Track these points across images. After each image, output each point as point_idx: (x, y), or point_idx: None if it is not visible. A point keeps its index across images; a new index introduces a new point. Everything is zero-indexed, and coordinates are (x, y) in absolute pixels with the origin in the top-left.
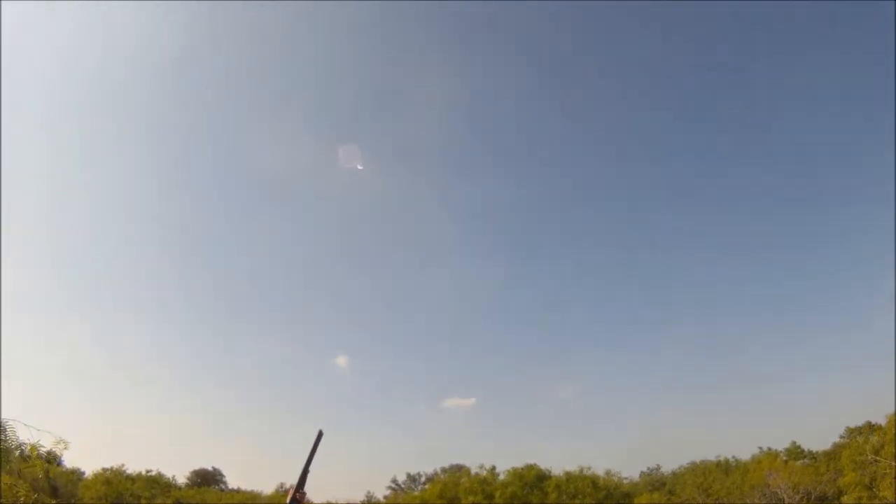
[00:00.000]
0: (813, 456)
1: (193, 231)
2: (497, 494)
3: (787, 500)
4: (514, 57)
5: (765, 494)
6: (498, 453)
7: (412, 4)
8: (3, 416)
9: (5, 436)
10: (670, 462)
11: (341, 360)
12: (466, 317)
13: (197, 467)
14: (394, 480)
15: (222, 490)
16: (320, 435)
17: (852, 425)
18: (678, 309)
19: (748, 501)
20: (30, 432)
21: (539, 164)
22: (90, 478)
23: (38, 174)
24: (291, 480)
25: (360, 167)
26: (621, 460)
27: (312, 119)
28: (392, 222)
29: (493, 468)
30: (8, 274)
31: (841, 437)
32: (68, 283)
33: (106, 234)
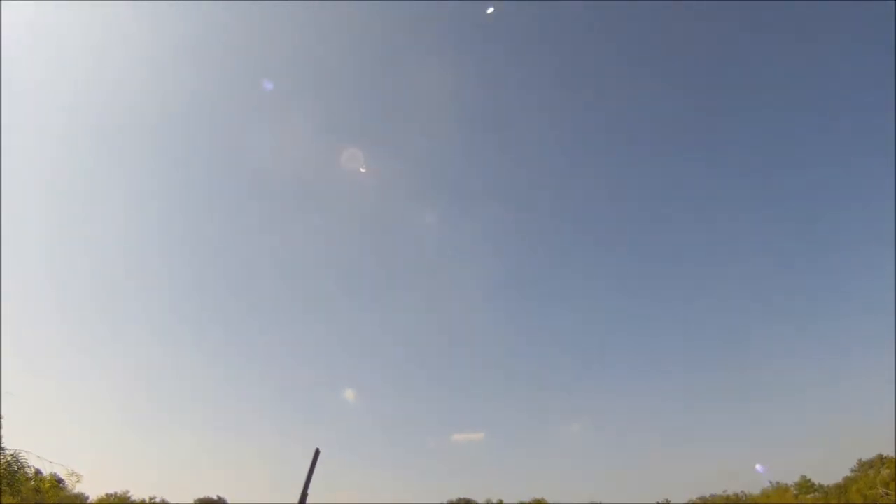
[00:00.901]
0: (824, 490)
1: (195, 249)
2: None
3: None
4: (526, 61)
5: None
6: (506, 487)
7: (415, 5)
8: (15, 447)
9: (18, 465)
10: (679, 496)
11: (349, 394)
12: (474, 352)
13: (201, 495)
14: None
15: None
16: (317, 454)
17: (864, 458)
18: (686, 344)
19: None
20: (42, 463)
21: (548, 196)
22: (94, 502)
23: (38, 175)
24: None
25: (362, 170)
26: (630, 494)
27: (313, 121)
28: (398, 256)
29: (501, 502)
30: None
31: (852, 470)
32: (68, 307)
33: (105, 241)
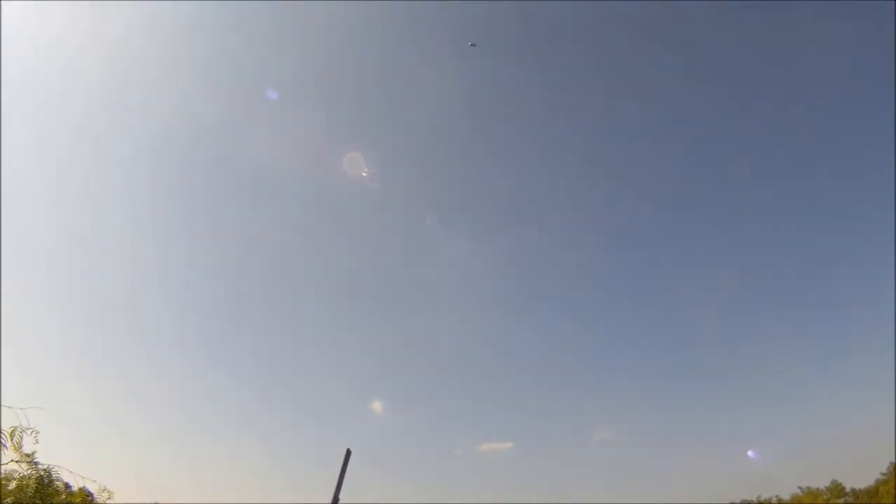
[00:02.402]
0: (855, 494)
1: (211, 253)
2: None
3: None
4: (530, 62)
5: None
6: (534, 497)
7: (418, 5)
8: (48, 462)
9: (49, 480)
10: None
11: (377, 406)
12: (501, 362)
13: None
14: None
15: None
16: (348, 454)
17: None
18: (715, 348)
19: None
20: (74, 478)
21: (567, 209)
22: None
23: (39, 176)
24: None
25: (364, 173)
26: (660, 501)
27: (315, 123)
28: (419, 269)
29: None
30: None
31: (882, 473)
32: (78, 313)
33: (105, 242)
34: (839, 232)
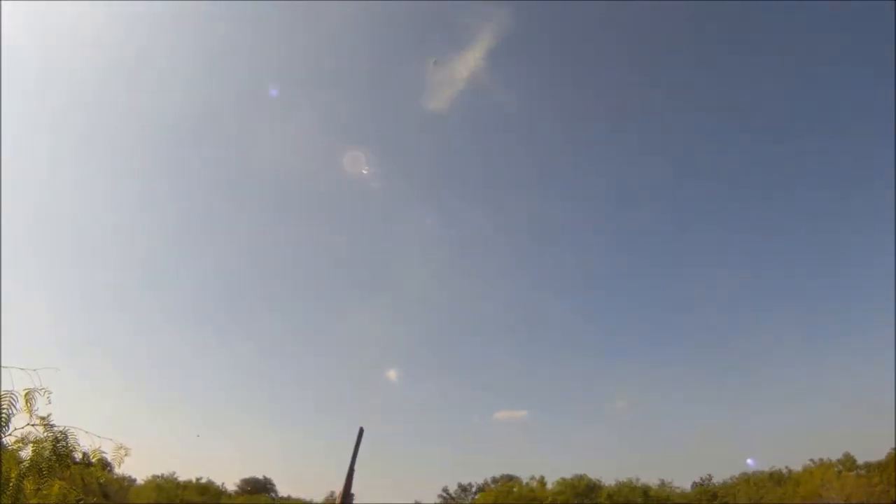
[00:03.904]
0: (868, 467)
1: (233, 232)
2: (548, 503)
3: None
4: (542, 64)
5: None
6: (549, 465)
7: (422, 5)
8: (64, 425)
9: (66, 443)
10: (722, 473)
11: (391, 374)
12: (517, 329)
13: (247, 476)
14: (444, 490)
15: (273, 498)
16: (361, 432)
17: None
18: (733, 322)
19: None
20: (91, 439)
21: (586, 175)
22: (142, 484)
23: (37, 176)
24: (339, 486)
25: (364, 171)
26: (674, 470)
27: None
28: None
29: (543, 478)
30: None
31: (893, 448)
32: (105, 285)
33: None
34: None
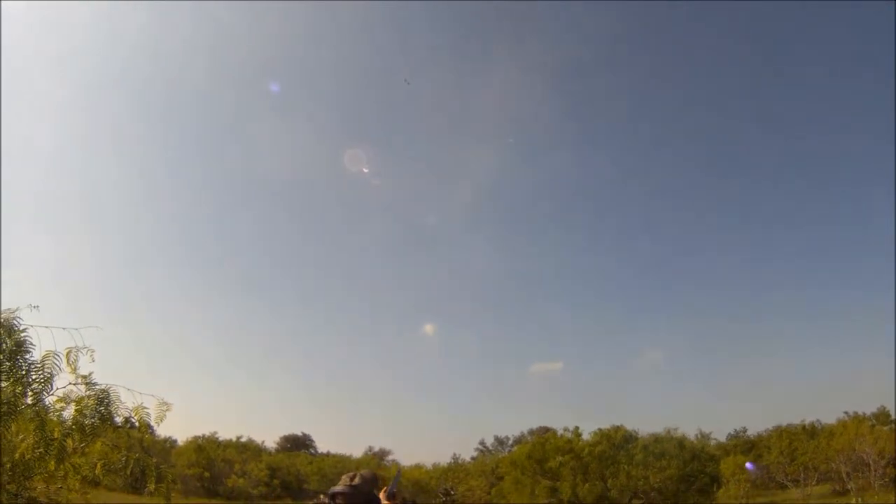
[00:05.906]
0: None
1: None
2: (585, 453)
3: (872, 466)
4: (536, 62)
5: (850, 459)
6: (584, 416)
7: (422, 5)
8: (106, 383)
9: (108, 405)
10: (757, 425)
11: (428, 328)
12: (552, 282)
13: (286, 433)
14: (481, 443)
15: (312, 454)
16: (398, 473)
17: None
18: (768, 274)
19: (833, 466)
20: (133, 396)
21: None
22: (183, 445)
23: (38, 176)
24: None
25: (365, 170)
26: (709, 422)
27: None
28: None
29: (577, 429)
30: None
31: None
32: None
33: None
34: None
